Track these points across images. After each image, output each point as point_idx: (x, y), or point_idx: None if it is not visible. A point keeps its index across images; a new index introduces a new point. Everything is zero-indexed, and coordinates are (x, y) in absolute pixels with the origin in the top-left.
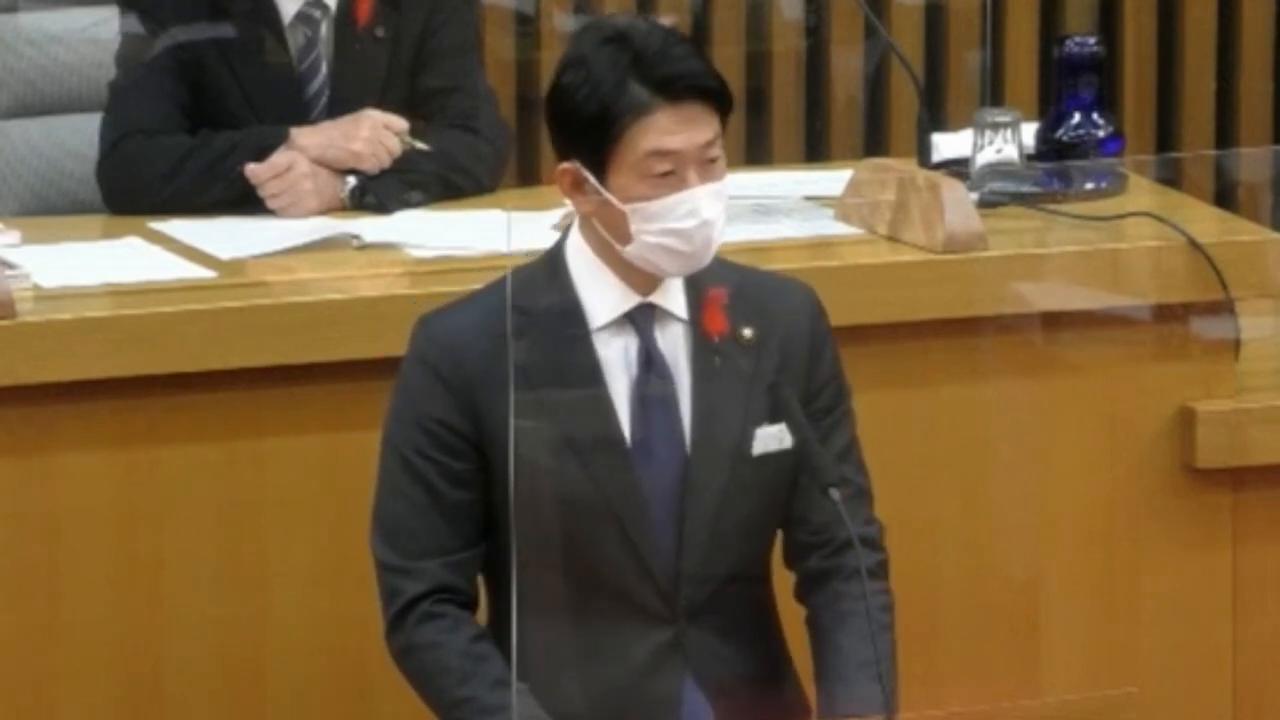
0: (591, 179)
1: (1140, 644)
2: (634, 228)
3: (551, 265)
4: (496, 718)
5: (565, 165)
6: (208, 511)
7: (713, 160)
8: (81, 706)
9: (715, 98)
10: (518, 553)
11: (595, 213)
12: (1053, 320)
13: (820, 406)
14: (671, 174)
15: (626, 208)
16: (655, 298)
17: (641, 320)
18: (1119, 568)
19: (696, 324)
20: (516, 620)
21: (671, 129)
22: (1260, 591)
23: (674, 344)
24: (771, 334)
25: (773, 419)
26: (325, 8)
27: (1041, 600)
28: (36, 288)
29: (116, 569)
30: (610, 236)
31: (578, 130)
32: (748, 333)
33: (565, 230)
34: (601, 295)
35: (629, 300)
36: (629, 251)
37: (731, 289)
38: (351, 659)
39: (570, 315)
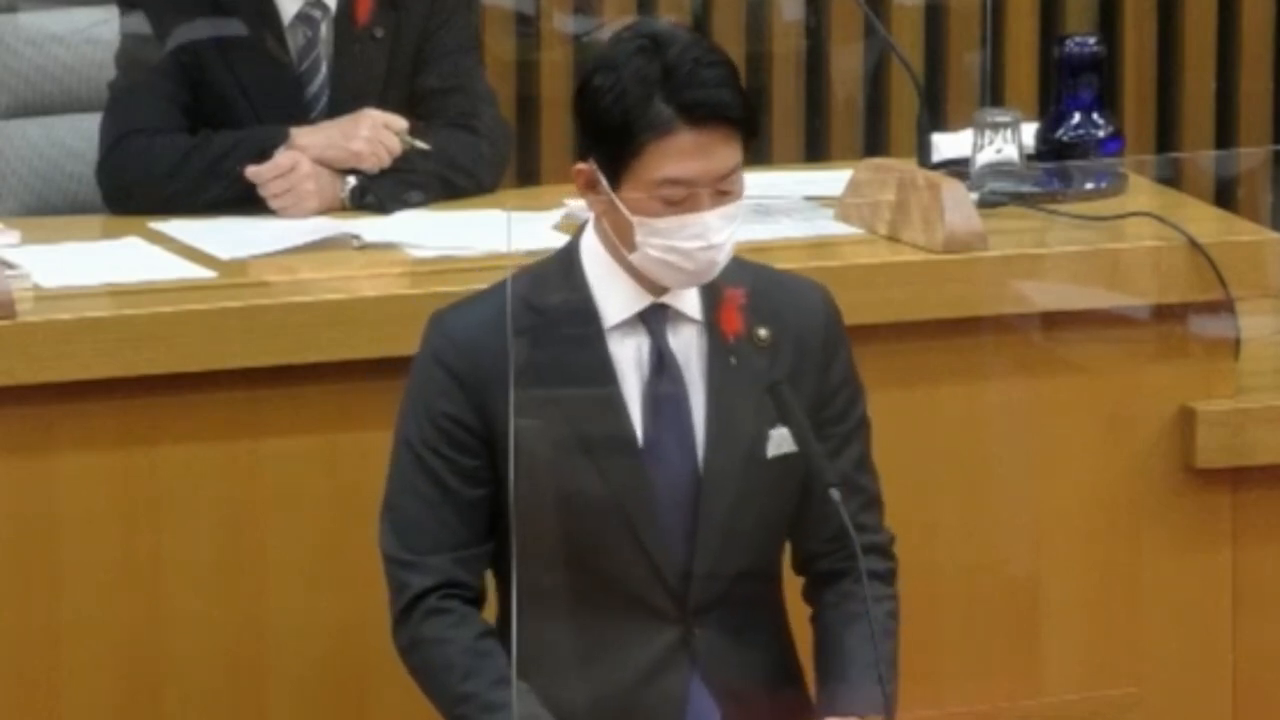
0: (605, 183)
1: (1140, 644)
2: (639, 239)
3: (565, 263)
4: (498, 715)
5: (582, 165)
6: (207, 511)
7: (729, 187)
8: (81, 706)
9: (740, 125)
10: (525, 551)
11: (605, 215)
12: (1053, 320)
13: (835, 411)
14: (685, 198)
15: (634, 219)
16: (668, 298)
17: (654, 321)
18: (1119, 568)
19: (710, 324)
20: (522, 618)
21: (690, 154)
22: (1260, 591)
23: (687, 345)
24: (786, 335)
25: (784, 420)
26: (325, 8)
27: (1041, 600)
28: (36, 288)
29: (116, 569)
30: (616, 240)
31: (599, 135)
32: (763, 333)
33: (580, 228)
34: (614, 295)
35: (641, 300)
36: (633, 258)
37: (747, 288)
38: (351, 659)
39: (583, 314)
